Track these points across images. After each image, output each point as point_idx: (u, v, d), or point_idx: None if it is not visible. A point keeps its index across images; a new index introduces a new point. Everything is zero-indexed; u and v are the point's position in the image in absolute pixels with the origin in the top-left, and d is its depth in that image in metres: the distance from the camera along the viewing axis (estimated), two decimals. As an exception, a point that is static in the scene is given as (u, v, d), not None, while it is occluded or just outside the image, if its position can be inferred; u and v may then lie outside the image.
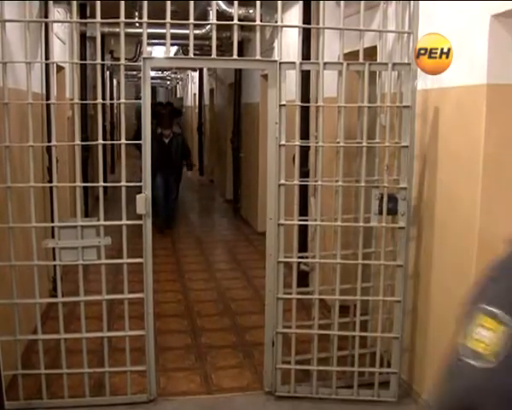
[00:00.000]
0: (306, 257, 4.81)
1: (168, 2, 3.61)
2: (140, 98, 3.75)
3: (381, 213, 3.88)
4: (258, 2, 3.73)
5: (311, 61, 4.91)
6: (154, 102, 15.68)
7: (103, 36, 9.51)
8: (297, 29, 3.90)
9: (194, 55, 3.80)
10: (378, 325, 4.01)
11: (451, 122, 3.67)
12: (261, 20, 3.81)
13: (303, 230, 5.23)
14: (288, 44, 4.43)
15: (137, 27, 8.03)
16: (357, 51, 3.80)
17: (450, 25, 3.50)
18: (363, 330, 4.15)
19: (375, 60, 4.03)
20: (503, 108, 3.29)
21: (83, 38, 8.46)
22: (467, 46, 3.40)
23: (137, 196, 3.74)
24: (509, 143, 3.32)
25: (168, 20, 3.63)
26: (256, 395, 4.17)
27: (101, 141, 3.75)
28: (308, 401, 4.06)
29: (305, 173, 4.99)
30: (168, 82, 26.11)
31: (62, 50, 6.78)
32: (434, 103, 3.82)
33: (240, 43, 8.76)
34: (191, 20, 3.67)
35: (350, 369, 4.13)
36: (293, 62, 3.80)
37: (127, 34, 3.71)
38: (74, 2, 3.64)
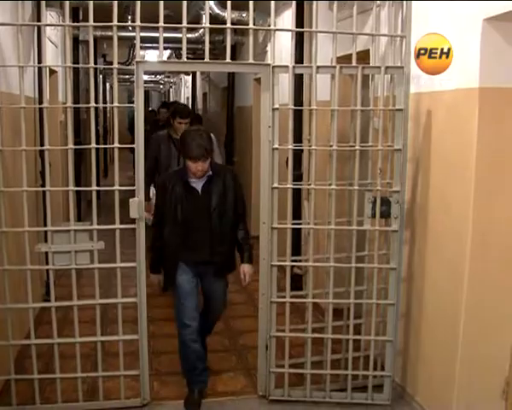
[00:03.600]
0: (300, 260, 4.81)
1: (161, 6, 3.61)
2: (133, 102, 3.75)
3: (374, 216, 3.89)
4: (251, 6, 3.74)
5: (304, 64, 4.92)
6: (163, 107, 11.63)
7: (96, 40, 9.53)
8: (290, 33, 3.90)
9: (188, 58, 3.80)
10: (371, 328, 4.02)
11: (444, 125, 3.68)
12: (254, 24, 3.81)
13: (296, 233, 5.23)
14: (281, 48, 4.43)
15: (130, 31, 8.03)
16: (350, 55, 3.81)
17: (442, 28, 3.50)
18: (357, 333, 4.15)
19: (368, 63, 4.04)
20: (496, 112, 3.31)
21: (75, 41, 8.46)
22: (459, 50, 3.41)
23: (130, 200, 3.73)
24: (501, 146, 3.34)
25: (161, 23, 3.63)
26: (250, 399, 4.16)
27: (94, 145, 3.75)
28: (302, 405, 4.06)
29: (298, 177, 4.99)
30: (161, 86, 26.09)
31: (55, 54, 6.78)
32: (427, 107, 3.84)
33: (233, 47, 8.77)
34: (184, 24, 3.67)
35: (343, 372, 4.13)
36: (286, 66, 3.80)
37: (120, 38, 3.71)
38: (67, 6, 3.63)
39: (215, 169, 4.05)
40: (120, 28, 3.68)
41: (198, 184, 4.01)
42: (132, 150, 3.76)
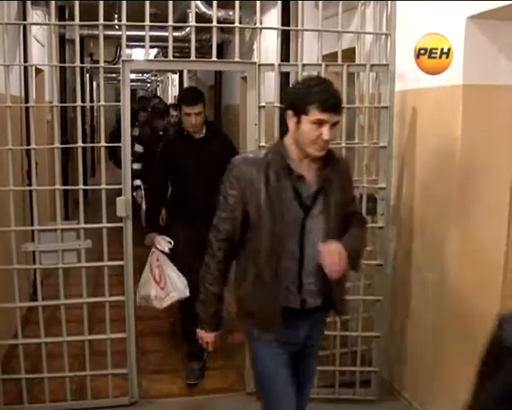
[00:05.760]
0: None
1: (147, 5, 3.61)
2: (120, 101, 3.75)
3: (360, 213, 3.91)
4: (237, 5, 3.75)
5: (290, 62, 4.94)
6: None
7: (83, 39, 9.52)
8: (276, 31, 3.91)
9: (174, 57, 3.80)
10: (358, 324, 4.04)
11: (429, 122, 3.72)
12: (240, 23, 3.82)
13: (284, 231, 5.22)
14: (268, 47, 4.44)
15: (117, 30, 8.01)
16: (336, 53, 3.83)
17: (426, 26, 3.53)
18: (344, 329, 4.17)
19: (354, 61, 4.06)
20: (479, 108, 3.35)
21: (62, 40, 8.42)
22: (443, 47, 3.44)
23: (117, 199, 3.73)
24: (484, 142, 3.38)
25: (147, 22, 3.63)
26: (238, 396, 4.17)
27: (80, 144, 3.74)
28: (290, 401, 4.07)
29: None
30: (148, 85, 26.03)
31: (41, 53, 6.75)
32: (412, 104, 3.87)
33: (220, 46, 8.77)
34: (170, 22, 3.67)
35: (331, 368, 4.14)
36: (272, 64, 3.81)
37: (106, 37, 3.71)
38: (52, 5, 3.62)
39: None
40: (107, 27, 3.68)
41: None
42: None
